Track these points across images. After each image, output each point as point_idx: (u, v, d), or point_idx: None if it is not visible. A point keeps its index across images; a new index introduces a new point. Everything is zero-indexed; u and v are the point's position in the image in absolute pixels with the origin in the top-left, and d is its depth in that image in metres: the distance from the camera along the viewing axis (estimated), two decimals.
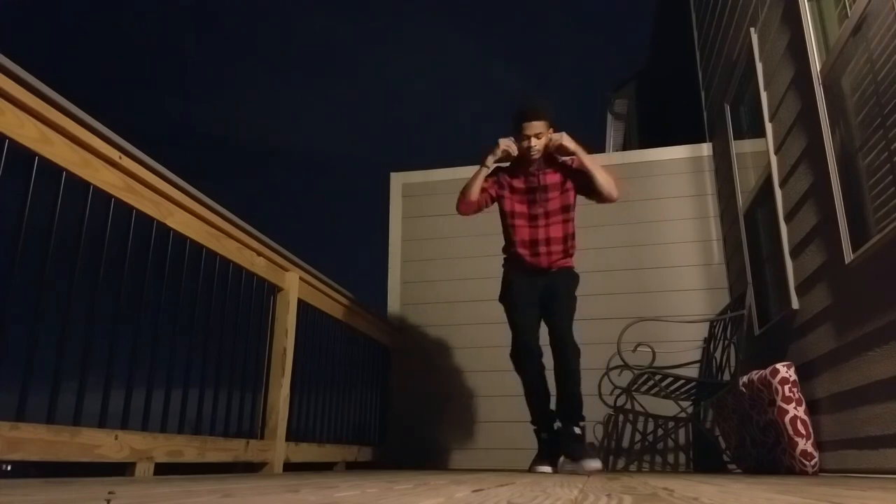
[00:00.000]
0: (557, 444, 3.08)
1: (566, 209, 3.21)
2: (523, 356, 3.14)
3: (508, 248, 3.29)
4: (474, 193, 3.22)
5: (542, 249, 3.18)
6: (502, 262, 3.34)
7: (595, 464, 2.89)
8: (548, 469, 3.00)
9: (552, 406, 3.15)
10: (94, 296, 1.97)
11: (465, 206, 3.26)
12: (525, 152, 3.16)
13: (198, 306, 2.49)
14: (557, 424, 3.11)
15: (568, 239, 3.21)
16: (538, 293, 3.19)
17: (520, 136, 3.15)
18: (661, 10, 7.35)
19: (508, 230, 3.25)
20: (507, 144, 3.16)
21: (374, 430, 4.29)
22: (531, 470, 3.03)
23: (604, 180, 3.14)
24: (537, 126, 3.13)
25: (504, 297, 3.28)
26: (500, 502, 1.01)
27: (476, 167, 3.26)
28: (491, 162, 3.19)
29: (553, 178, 3.21)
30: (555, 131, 3.20)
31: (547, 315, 3.17)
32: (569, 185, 3.20)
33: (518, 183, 3.24)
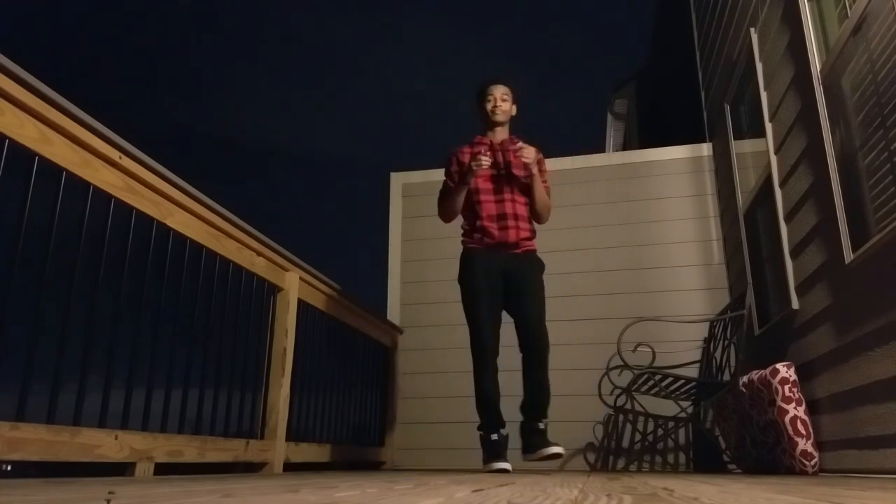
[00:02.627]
0: (506, 445, 2.97)
1: (527, 193, 3.13)
2: (484, 355, 2.97)
3: (473, 222, 3.13)
4: (458, 209, 3.15)
5: (511, 223, 3.07)
6: (461, 239, 3.19)
7: (556, 448, 2.84)
8: (506, 465, 2.86)
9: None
10: (94, 296, 1.97)
11: (448, 217, 3.21)
12: (489, 113, 3.15)
13: (198, 306, 2.49)
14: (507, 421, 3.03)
15: (531, 221, 3.17)
16: (502, 277, 3.05)
17: (484, 99, 3.17)
18: (661, 11, 7.36)
19: (474, 207, 3.12)
20: (476, 155, 3.02)
21: (374, 430, 4.29)
22: (488, 468, 2.87)
23: (541, 202, 3.13)
24: (501, 89, 3.16)
25: (464, 279, 3.10)
26: (500, 502, 1.01)
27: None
28: (471, 178, 3.05)
29: (517, 158, 3.12)
30: (518, 107, 3.22)
31: (516, 304, 3.05)
32: (533, 171, 3.08)
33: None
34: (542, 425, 2.98)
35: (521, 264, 3.09)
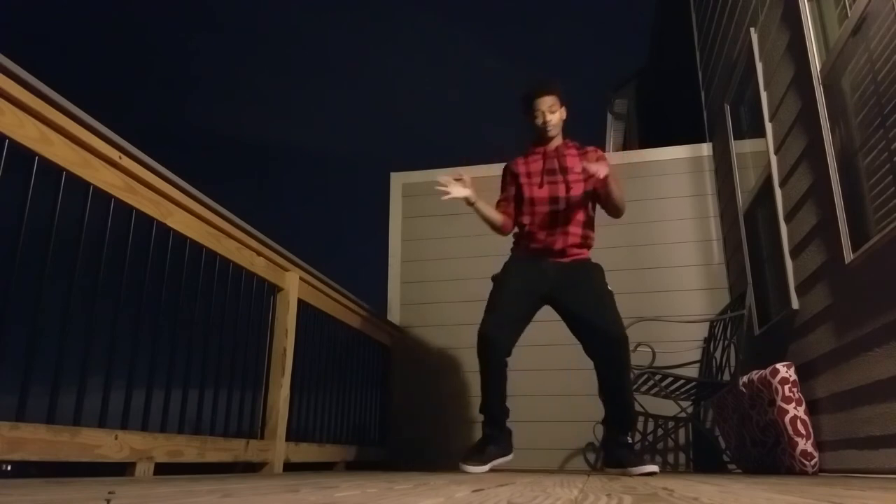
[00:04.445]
0: (495, 442, 2.85)
1: (587, 197, 3.03)
2: (484, 352, 2.85)
3: (522, 228, 3.08)
4: (497, 220, 3.11)
5: (559, 231, 2.97)
6: (511, 246, 3.15)
7: (649, 467, 2.58)
8: (480, 469, 2.75)
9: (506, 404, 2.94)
10: (94, 295, 1.97)
11: (500, 232, 3.17)
12: (541, 129, 3.05)
13: (198, 306, 2.49)
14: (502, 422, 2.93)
15: (587, 225, 3.04)
16: (546, 283, 2.92)
17: (532, 114, 3.05)
18: (660, 10, 7.36)
19: (525, 214, 3.06)
20: (446, 180, 2.98)
21: (374, 430, 4.29)
22: (462, 468, 2.76)
23: (617, 200, 2.96)
24: (549, 100, 3.03)
25: (499, 276, 3.01)
26: (500, 502, 1.01)
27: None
28: (472, 198, 2.98)
29: (574, 161, 3.05)
30: (567, 109, 3.10)
31: (577, 311, 2.89)
32: (593, 171, 2.98)
33: (535, 165, 3.09)
34: (629, 439, 2.83)
35: (570, 271, 2.96)
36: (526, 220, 3.06)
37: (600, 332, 2.83)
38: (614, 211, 3.04)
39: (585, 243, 3.04)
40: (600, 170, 2.77)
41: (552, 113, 3.04)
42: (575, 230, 3.00)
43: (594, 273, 2.99)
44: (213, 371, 2.55)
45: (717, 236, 4.55)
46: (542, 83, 3.08)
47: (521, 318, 2.95)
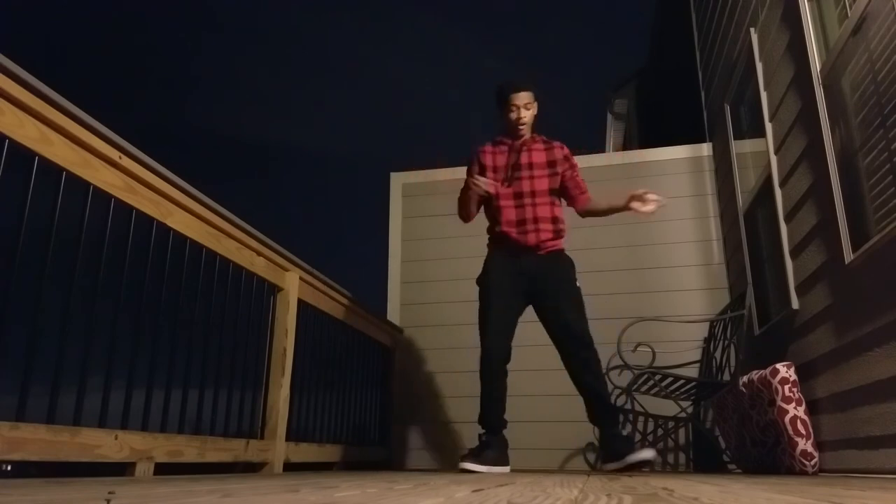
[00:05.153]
0: (493, 448, 2.88)
1: (553, 192, 3.09)
2: (490, 363, 2.95)
3: (493, 227, 3.13)
4: (473, 211, 3.20)
5: (530, 227, 3.02)
6: (487, 242, 3.20)
7: (646, 453, 2.64)
8: (480, 468, 2.78)
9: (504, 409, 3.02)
10: (94, 295, 1.97)
11: (465, 220, 3.26)
12: (514, 124, 3.09)
13: (198, 306, 2.49)
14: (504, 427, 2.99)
15: (557, 220, 3.08)
16: (525, 280, 2.99)
17: (507, 108, 3.09)
18: (660, 10, 7.36)
19: (494, 211, 3.12)
20: (478, 183, 3.05)
21: (374, 430, 4.29)
22: (461, 466, 2.80)
23: (594, 204, 3.15)
24: (525, 97, 3.08)
25: (483, 280, 3.10)
26: (500, 502, 1.01)
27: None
28: (484, 188, 3.05)
29: (540, 156, 3.11)
30: (540, 106, 3.16)
31: (548, 308, 2.99)
32: (559, 170, 3.10)
33: (501, 161, 3.13)
34: (622, 431, 2.88)
35: (544, 264, 3.01)
36: (496, 217, 3.11)
37: (570, 334, 2.93)
38: (583, 213, 3.17)
39: (558, 235, 3.09)
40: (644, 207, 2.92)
41: (527, 109, 3.10)
42: (545, 226, 3.04)
43: (568, 271, 3.05)
44: (213, 371, 2.55)
45: (717, 236, 4.55)
46: (520, 79, 3.15)
47: (513, 321, 3.04)
